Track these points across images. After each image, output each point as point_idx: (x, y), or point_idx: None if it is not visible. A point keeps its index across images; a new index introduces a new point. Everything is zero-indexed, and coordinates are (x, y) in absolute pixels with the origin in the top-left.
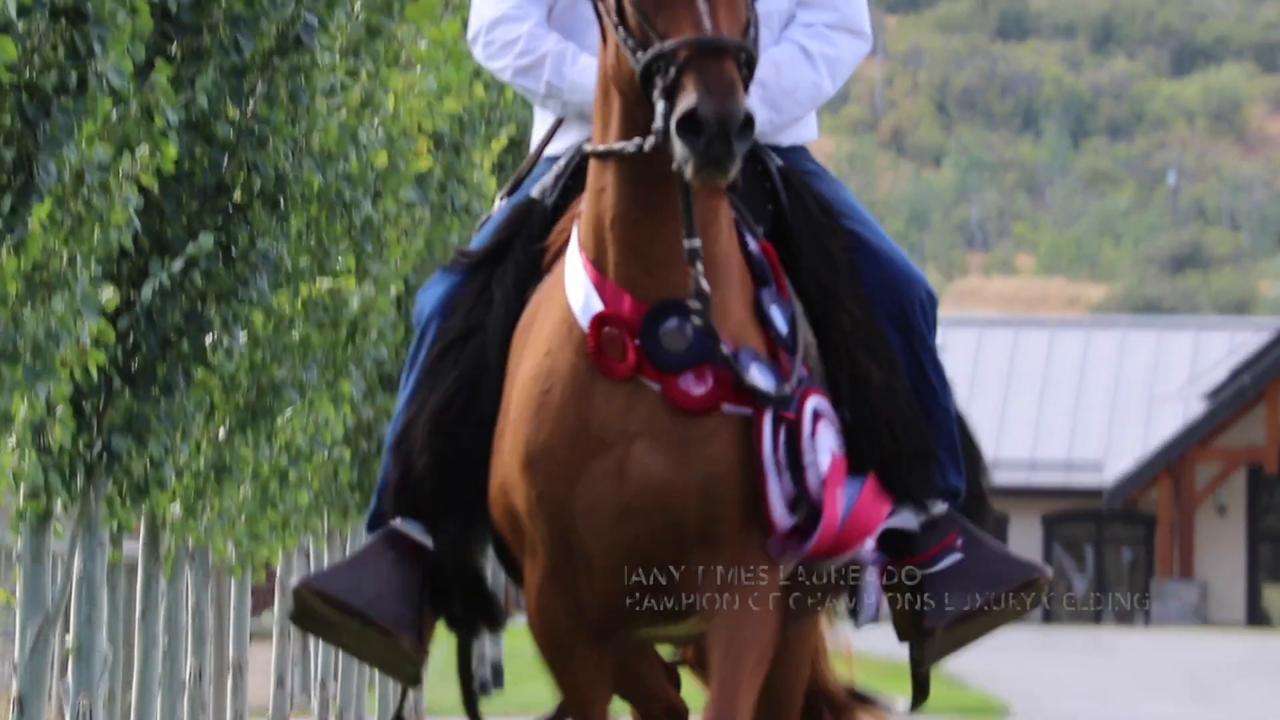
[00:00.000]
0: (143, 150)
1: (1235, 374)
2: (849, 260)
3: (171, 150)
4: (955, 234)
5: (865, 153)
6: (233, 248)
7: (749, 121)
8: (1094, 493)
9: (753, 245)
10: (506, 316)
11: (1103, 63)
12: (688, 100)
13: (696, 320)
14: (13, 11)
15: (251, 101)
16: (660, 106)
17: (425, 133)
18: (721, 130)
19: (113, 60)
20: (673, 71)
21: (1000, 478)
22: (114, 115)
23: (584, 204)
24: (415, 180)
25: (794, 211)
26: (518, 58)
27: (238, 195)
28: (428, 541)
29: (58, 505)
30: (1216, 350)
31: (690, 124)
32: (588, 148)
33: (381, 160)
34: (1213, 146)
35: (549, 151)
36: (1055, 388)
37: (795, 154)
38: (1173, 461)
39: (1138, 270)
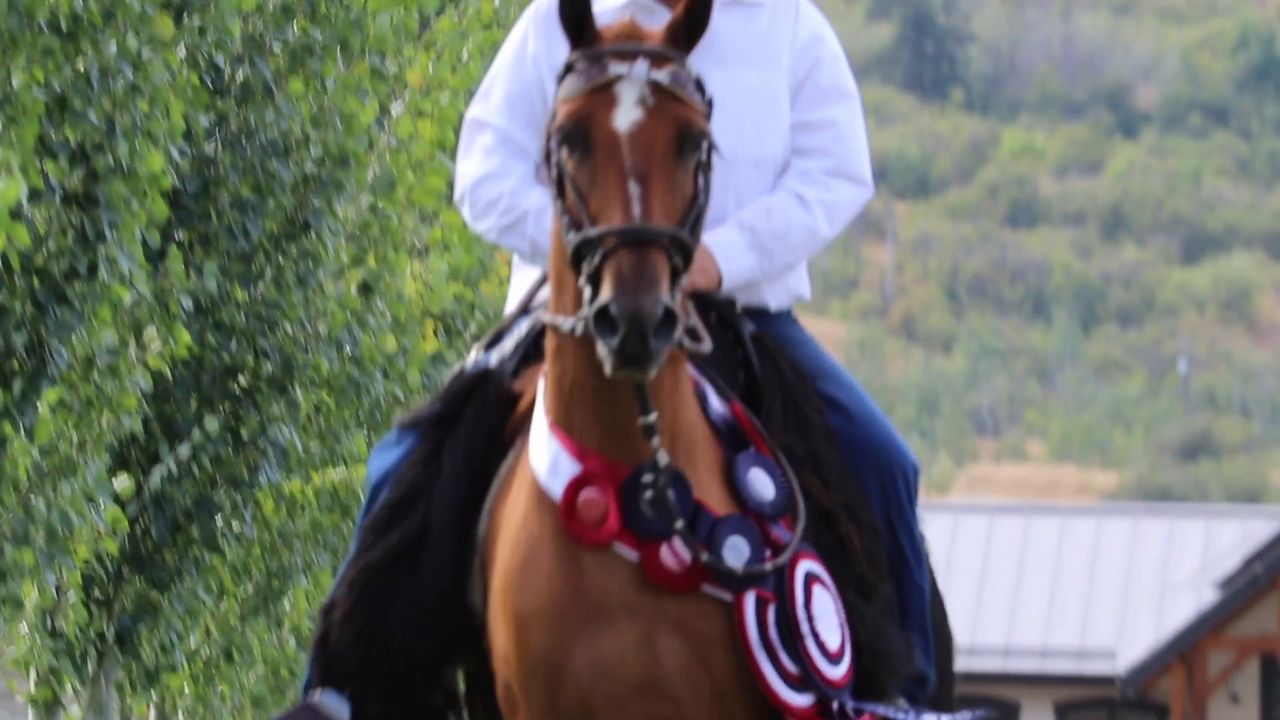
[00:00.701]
0: (153, 334)
1: (1248, 563)
2: (824, 425)
3: (184, 335)
4: (966, 420)
5: (875, 339)
6: (242, 432)
7: (670, 318)
8: (1107, 680)
9: (718, 408)
10: (454, 489)
11: (1113, 251)
12: (603, 295)
13: (649, 495)
14: (24, 197)
15: (260, 285)
16: (586, 293)
17: (433, 315)
18: (635, 329)
19: (124, 245)
20: (596, 259)
21: (1012, 665)
22: (126, 300)
23: (546, 364)
24: (424, 362)
25: (765, 376)
26: (501, 216)
27: (246, 379)
28: (344, 716)
29: (68, 690)
30: (1228, 539)
31: (605, 320)
32: (541, 314)
33: (390, 344)
34: (1223, 334)
35: (509, 308)
36: (1067, 575)
37: (780, 320)
38: (1185, 650)
39: (1149, 457)
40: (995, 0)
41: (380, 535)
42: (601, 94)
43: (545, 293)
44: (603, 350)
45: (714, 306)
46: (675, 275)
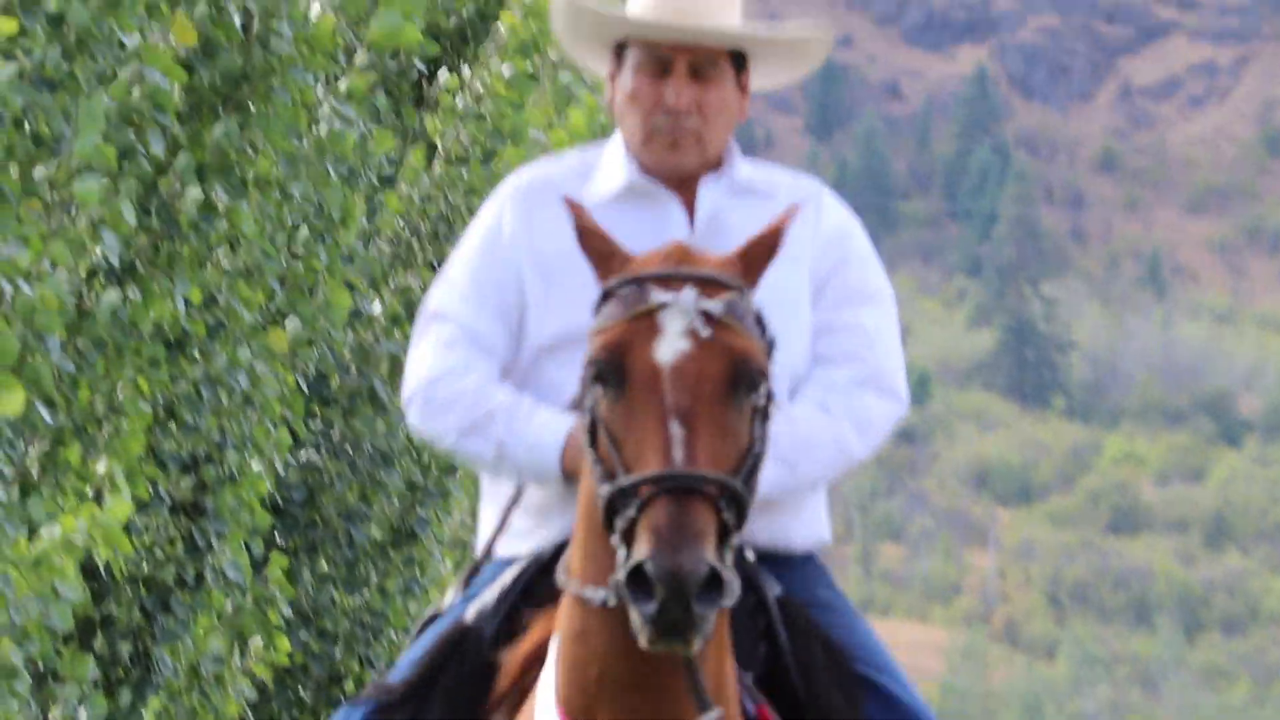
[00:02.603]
0: (257, 642)
1: None
2: (857, 716)
3: (285, 642)
4: None
5: (978, 645)
6: None
7: (716, 580)
8: None
9: (750, 709)
10: None
11: (1216, 558)
12: (637, 554)
13: None
14: (128, 506)
15: (365, 593)
16: (620, 554)
17: None
18: (675, 592)
19: (230, 555)
20: (631, 512)
21: None
22: (229, 607)
23: (560, 644)
24: None
25: (796, 653)
26: (461, 416)
27: (350, 686)
28: None
29: None
30: None
31: (641, 582)
32: (561, 578)
33: None
34: None
35: (507, 550)
36: None
37: (805, 574)
38: None
39: None
40: (1096, 309)
41: None
42: (641, 322)
43: (526, 533)
44: (637, 618)
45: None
46: (725, 533)
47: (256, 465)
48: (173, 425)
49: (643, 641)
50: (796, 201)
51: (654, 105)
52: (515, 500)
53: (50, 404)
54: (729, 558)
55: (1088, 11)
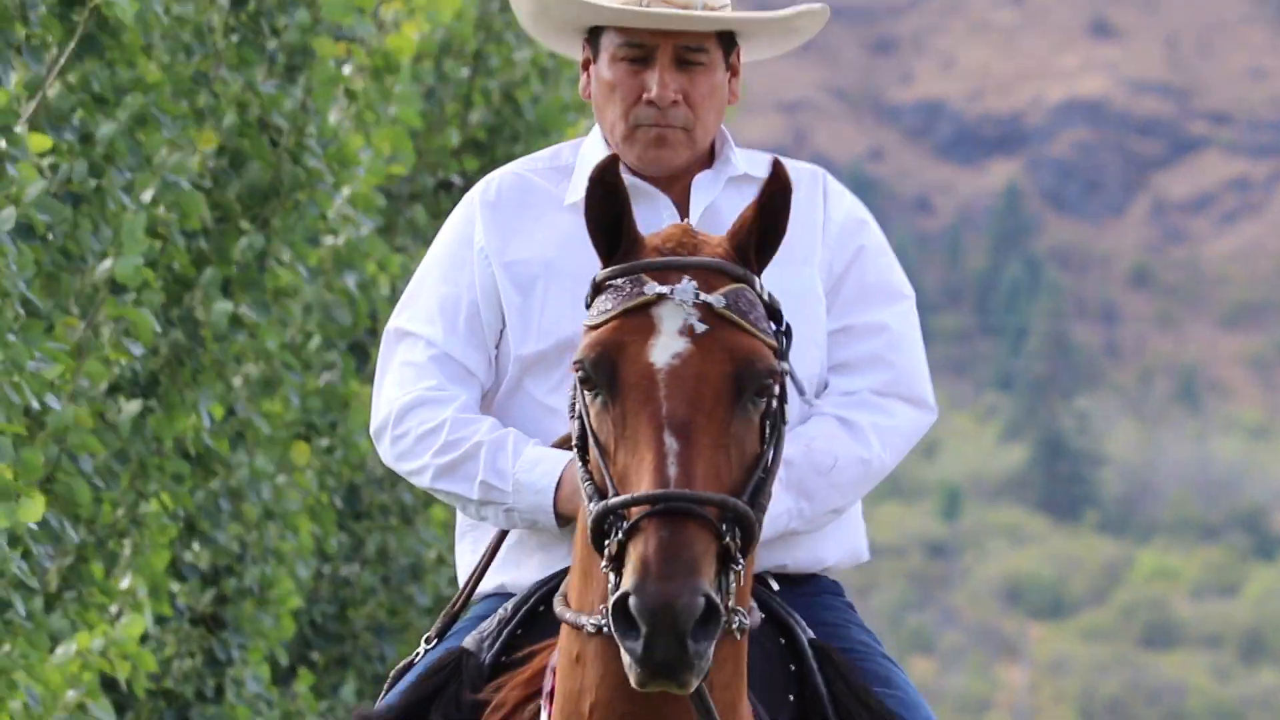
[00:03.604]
0: None
1: None
2: None
3: None
4: None
5: None
6: None
7: (712, 612)
8: None
9: None
10: None
11: (1251, 674)
12: (624, 584)
13: None
14: (150, 623)
15: None
16: (609, 581)
17: None
18: (663, 628)
19: (251, 667)
20: (619, 536)
21: None
22: None
23: (556, 675)
24: None
25: (837, 706)
26: (439, 454)
27: None
28: None
29: None
30: None
31: (628, 616)
32: (557, 607)
33: None
34: None
35: (488, 586)
36: None
37: (835, 606)
38: None
39: None
40: (1129, 423)
41: None
42: (635, 319)
43: (515, 566)
44: (626, 656)
45: (759, 600)
46: (727, 559)
47: (287, 580)
48: (195, 538)
49: (633, 680)
50: (797, 184)
51: (636, 97)
52: (497, 547)
53: (77, 519)
54: (733, 586)
55: (1120, 126)
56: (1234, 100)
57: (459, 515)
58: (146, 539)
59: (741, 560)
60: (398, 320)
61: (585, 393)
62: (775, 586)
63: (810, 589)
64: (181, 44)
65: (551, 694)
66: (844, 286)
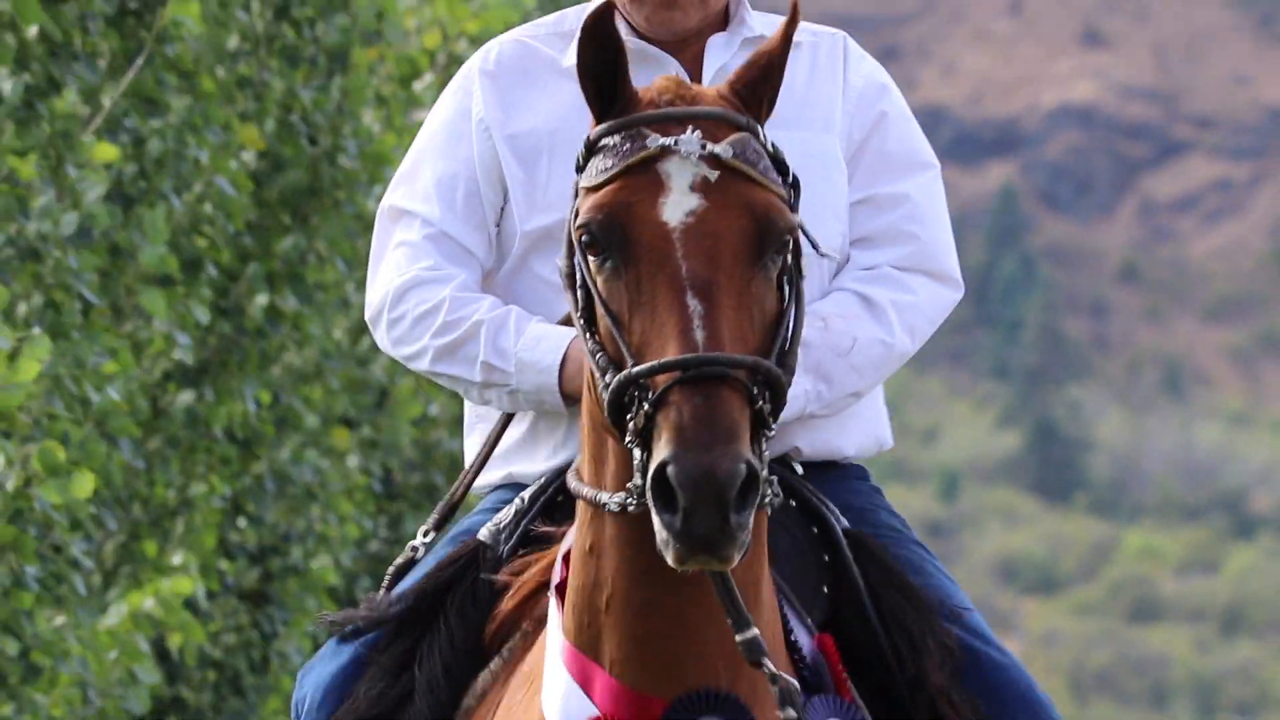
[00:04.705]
0: None
1: None
2: (950, 676)
3: None
4: None
5: None
6: None
7: (753, 481)
8: None
9: (804, 642)
10: (434, 707)
11: (1230, 647)
12: (659, 455)
13: None
14: (203, 596)
15: None
16: (636, 456)
17: None
18: (707, 499)
19: (295, 640)
20: (646, 407)
21: None
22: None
23: (570, 567)
24: None
25: (877, 601)
26: (437, 335)
27: None
28: None
29: None
30: None
31: (664, 489)
32: (572, 483)
33: None
34: None
35: (490, 478)
36: None
37: (862, 490)
38: None
39: None
40: (1117, 411)
41: None
42: (639, 176)
43: (525, 456)
44: (663, 532)
45: (789, 486)
46: (760, 426)
47: (323, 559)
48: (241, 518)
49: (670, 559)
50: (810, 47)
51: None
52: (499, 434)
53: (120, 502)
54: (766, 454)
55: (1110, 130)
56: (1218, 105)
57: (467, 408)
58: (196, 519)
59: (773, 427)
60: (392, 198)
61: (590, 259)
62: (800, 471)
63: (835, 474)
64: (228, 52)
65: (561, 587)
66: (864, 155)
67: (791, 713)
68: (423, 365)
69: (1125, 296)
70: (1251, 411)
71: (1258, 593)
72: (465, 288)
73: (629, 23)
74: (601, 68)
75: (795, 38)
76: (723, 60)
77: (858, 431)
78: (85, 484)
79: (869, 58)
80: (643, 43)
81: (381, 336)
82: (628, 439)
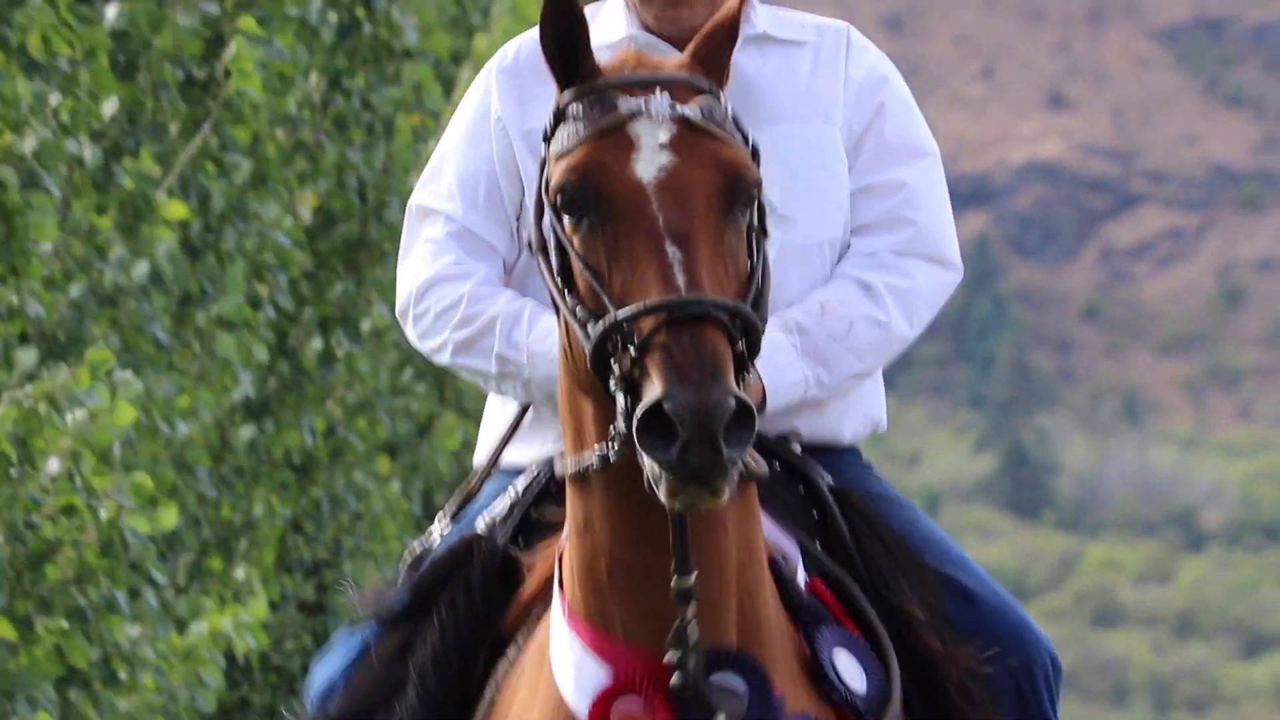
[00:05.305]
0: None
1: None
2: (940, 614)
3: None
4: None
5: None
6: None
7: (745, 413)
8: None
9: (801, 578)
10: (424, 698)
11: (1183, 649)
12: (651, 392)
13: (676, 679)
14: (265, 607)
15: None
16: (620, 402)
17: None
18: (702, 431)
19: None
20: (632, 351)
21: None
22: None
23: (565, 542)
24: None
25: (860, 546)
26: (457, 328)
27: None
28: None
29: None
30: None
31: (657, 425)
32: (559, 467)
33: None
34: None
35: (508, 459)
36: None
37: (855, 465)
38: None
39: None
40: (1081, 437)
41: None
42: (610, 138)
43: (534, 440)
44: (654, 470)
45: (773, 450)
46: (740, 368)
47: (374, 574)
48: (298, 537)
49: (662, 494)
50: (814, 44)
51: None
52: (515, 425)
53: (195, 523)
54: (745, 393)
55: (1073, 184)
56: (1169, 162)
57: (489, 396)
58: (259, 537)
59: (750, 369)
60: (419, 197)
61: (566, 219)
62: (799, 450)
63: (829, 455)
64: (290, 118)
65: (562, 583)
66: (864, 145)
67: (673, 654)
68: (444, 358)
69: (1087, 334)
70: (1201, 436)
71: (1208, 600)
72: (485, 282)
73: (639, 19)
74: (564, 39)
75: (800, 36)
76: (734, 58)
77: (855, 415)
78: (171, 515)
79: (871, 49)
80: (652, 38)
81: (409, 330)
82: (612, 385)
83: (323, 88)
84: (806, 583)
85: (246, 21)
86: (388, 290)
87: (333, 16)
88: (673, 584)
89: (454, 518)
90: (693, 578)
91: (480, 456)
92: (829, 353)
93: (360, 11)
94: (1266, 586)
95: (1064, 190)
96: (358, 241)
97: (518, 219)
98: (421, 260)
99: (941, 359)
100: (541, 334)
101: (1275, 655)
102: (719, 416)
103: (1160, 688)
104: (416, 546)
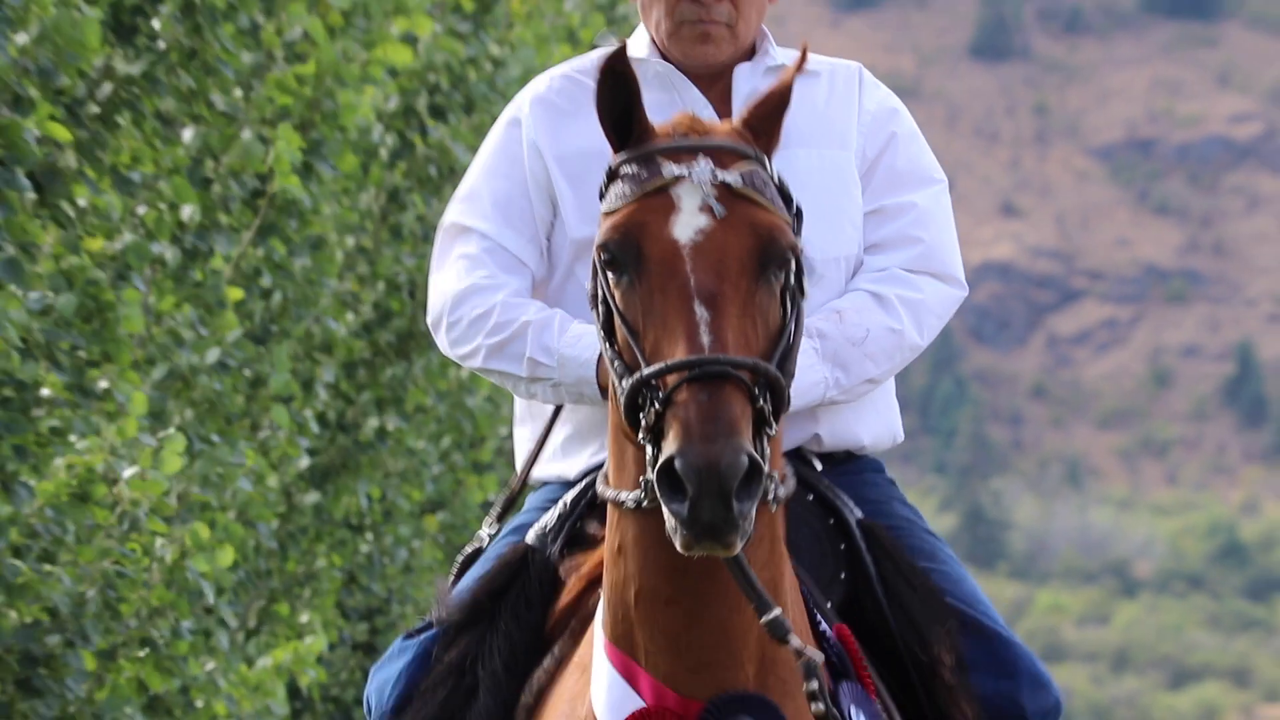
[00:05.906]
0: None
1: None
2: (954, 651)
3: None
4: None
5: None
6: None
7: (755, 471)
8: None
9: (826, 630)
10: (497, 702)
11: (1119, 681)
12: (667, 449)
13: (815, 710)
14: (325, 648)
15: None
16: (648, 452)
17: None
18: (710, 488)
19: None
20: (656, 406)
21: None
22: None
23: (605, 566)
24: None
25: (885, 583)
26: (489, 335)
27: None
28: None
29: None
30: None
31: (671, 479)
32: (599, 487)
33: None
34: None
35: (541, 473)
36: None
37: (878, 482)
38: None
39: None
40: (1030, 499)
41: None
42: (654, 200)
43: (573, 452)
44: (671, 521)
45: (805, 480)
46: (761, 424)
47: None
48: (354, 587)
49: (679, 545)
50: (829, 75)
51: None
52: (551, 423)
53: (266, 574)
54: (767, 451)
55: (1023, 281)
56: (1106, 262)
57: (517, 403)
58: (320, 587)
59: (774, 425)
60: (453, 216)
61: (610, 275)
62: (819, 467)
63: (852, 468)
64: (349, 226)
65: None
66: (876, 171)
67: (815, 685)
68: (476, 363)
69: (1036, 410)
70: (1134, 498)
71: (1140, 639)
72: (516, 294)
73: (668, 57)
74: (618, 104)
75: (814, 68)
76: (751, 85)
77: (874, 422)
78: (226, 556)
79: (882, 86)
80: (679, 74)
81: (441, 338)
82: (641, 436)
83: (382, 201)
84: (833, 629)
85: (286, 130)
86: (434, 375)
87: (390, 139)
88: (762, 622)
89: (499, 520)
90: (776, 611)
91: (520, 460)
92: (847, 356)
93: (416, 139)
94: (1190, 627)
95: (1015, 286)
96: (407, 334)
97: (548, 237)
98: (455, 273)
99: (910, 431)
100: (572, 339)
101: (1198, 686)
102: (730, 475)
103: (1099, 715)
104: (468, 549)
